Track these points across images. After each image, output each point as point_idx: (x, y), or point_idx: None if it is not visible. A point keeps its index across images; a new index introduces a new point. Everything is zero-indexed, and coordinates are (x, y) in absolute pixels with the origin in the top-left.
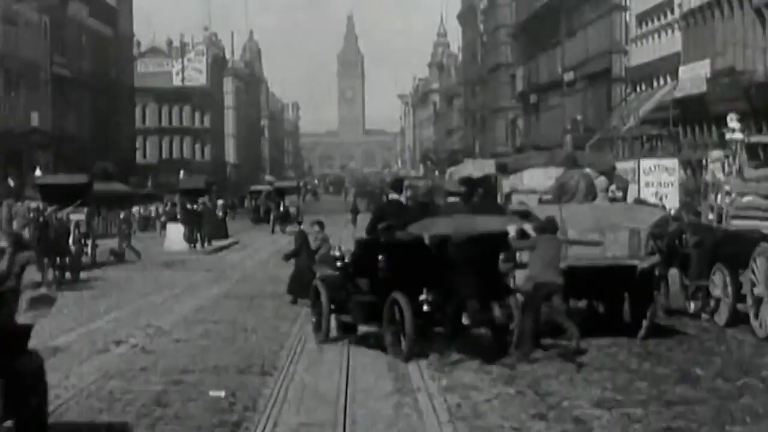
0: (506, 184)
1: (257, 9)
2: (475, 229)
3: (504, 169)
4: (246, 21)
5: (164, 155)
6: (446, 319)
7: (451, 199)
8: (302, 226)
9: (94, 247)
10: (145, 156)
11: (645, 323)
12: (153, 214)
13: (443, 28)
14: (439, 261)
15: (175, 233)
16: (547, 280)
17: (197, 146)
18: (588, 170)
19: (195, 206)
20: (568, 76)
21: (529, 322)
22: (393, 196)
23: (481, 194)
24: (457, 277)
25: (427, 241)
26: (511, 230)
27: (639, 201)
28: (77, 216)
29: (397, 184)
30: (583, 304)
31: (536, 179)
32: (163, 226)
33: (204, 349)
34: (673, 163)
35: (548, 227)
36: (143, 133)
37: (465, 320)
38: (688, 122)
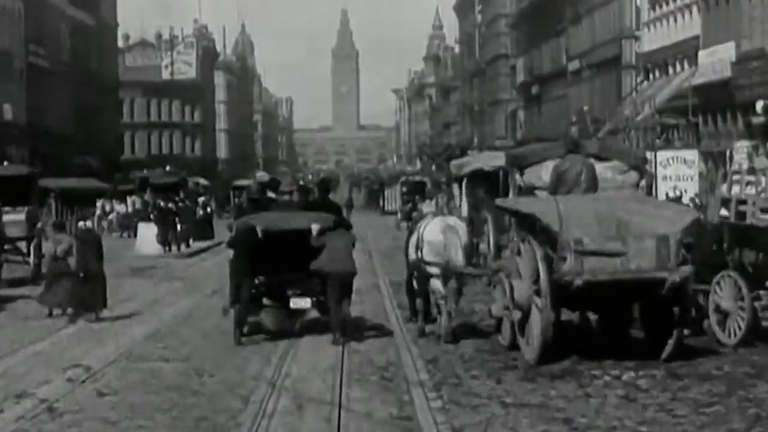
0: (520, 178)
1: (249, 1)
2: (285, 225)
3: (516, 162)
4: (238, 13)
5: (153, 150)
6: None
7: (286, 197)
8: None
9: (38, 254)
10: (133, 151)
11: (671, 343)
12: (104, 211)
13: (439, 20)
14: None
15: (147, 235)
16: (336, 269)
17: (187, 141)
18: (615, 162)
19: (170, 204)
20: (573, 65)
21: (334, 307)
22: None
23: (318, 193)
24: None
25: (232, 234)
26: (314, 228)
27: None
28: (13, 216)
29: (267, 186)
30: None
31: None
32: (129, 227)
33: (134, 410)
34: (692, 154)
35: (341, 223)
36: (131, 128)
37: (294, 304)
38: (708, 110)
